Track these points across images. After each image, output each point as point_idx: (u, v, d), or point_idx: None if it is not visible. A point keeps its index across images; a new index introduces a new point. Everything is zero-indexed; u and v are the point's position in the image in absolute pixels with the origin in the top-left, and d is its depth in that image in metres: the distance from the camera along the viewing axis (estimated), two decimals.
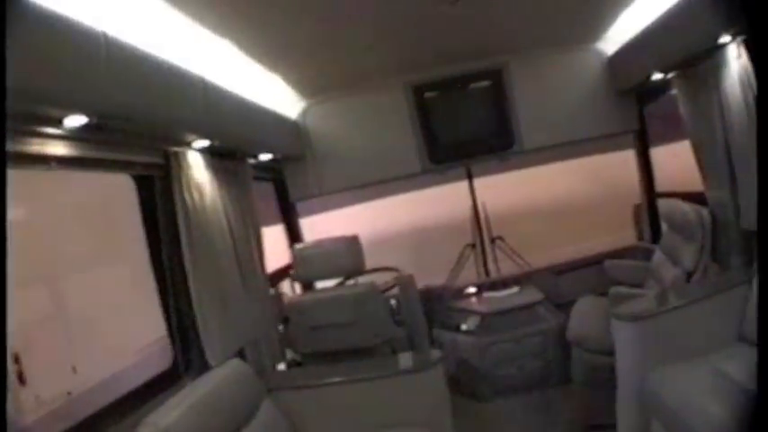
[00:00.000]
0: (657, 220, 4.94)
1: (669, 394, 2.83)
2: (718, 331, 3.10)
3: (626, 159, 5.29)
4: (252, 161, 3.94)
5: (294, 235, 5.04)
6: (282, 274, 4.60)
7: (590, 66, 4.70)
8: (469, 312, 4.73)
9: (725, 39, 3.06)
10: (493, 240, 5.54)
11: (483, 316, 4.60)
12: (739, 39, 3.04)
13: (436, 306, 5.06)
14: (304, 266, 3.96)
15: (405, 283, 4.32)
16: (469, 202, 5.54)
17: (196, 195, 2.97)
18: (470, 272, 5.53)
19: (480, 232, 5.52)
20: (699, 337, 3.07)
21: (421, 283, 4.99)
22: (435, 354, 3.28)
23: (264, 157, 3.98)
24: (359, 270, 3.92)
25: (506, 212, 5.96)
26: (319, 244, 4.04)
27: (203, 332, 2.89)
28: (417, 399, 3.05)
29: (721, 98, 3.32)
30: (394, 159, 4.73)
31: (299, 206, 5.13)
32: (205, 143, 2.99)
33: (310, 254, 3.97)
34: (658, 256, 4.29)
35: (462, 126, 4.67)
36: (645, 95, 4.69)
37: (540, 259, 5.50)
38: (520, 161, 5.72)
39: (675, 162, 4.47)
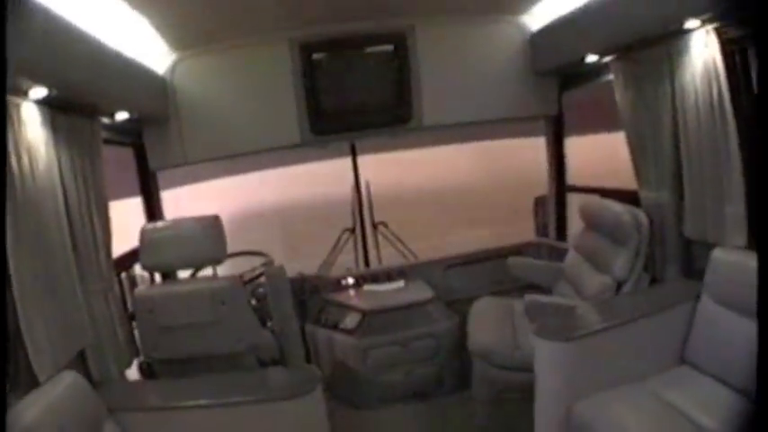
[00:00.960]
0: (564, 215, 4.71)
1: (602, 426, 2.50)
2: (659, 353, 2.82)
3: (534, 147, 5.07)
4: (106, 120, 3.35)
5: (152, 210, 4.42)
6: (135, 257, 3.90)
7: (509, 40, 4.33)
8: (348, 308, 4.28)
9: (692, 24, 2.77)
10: (375, 226, 5.14)
11: (364, 314, 4.16)
12: (710, 26, 2.75)
13: (310, 298, 4.58)
14: (152, 252, 3.22)
15: (274, 274, 3.73)
16: (350, 183, 5.11)
17: (26, 159, 2.37)
18: (349, 260, 5.14)
19: (361, 216, 5.10)
20: (636, 359, 2.77)
21: (294, 270, 4.60)
22: (314, 372, 2.78)
23: (121, 116, 3.35)
24: (218, 258, 3.25)
25: (394, 196, 5.58)
26: (173, 225, 3.35)
27: (27, 335, 2.29)
28: (291, 430, 2.61)
29: (675, 89, 3.04)
30: (272, 128, 4.20)
31: (165, 177, 4.55)
32: (42, 92, 2.38)
33: (161, 237, 3.24)
34: (573, 257, 3.95)
35: (352, 94, 4.18)
36: (568, 79, 4.40)
37: (427, 250, 5.16)
38: (415, 140, 5.35)
39: (591, 155, 4.23)
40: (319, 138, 4.24)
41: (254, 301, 4.18)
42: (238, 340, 3.15)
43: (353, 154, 5.05)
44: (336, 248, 5.10)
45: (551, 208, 4.80)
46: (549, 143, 4.73)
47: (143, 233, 3.23)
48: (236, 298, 3.17)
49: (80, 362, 2.81)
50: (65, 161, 2.76)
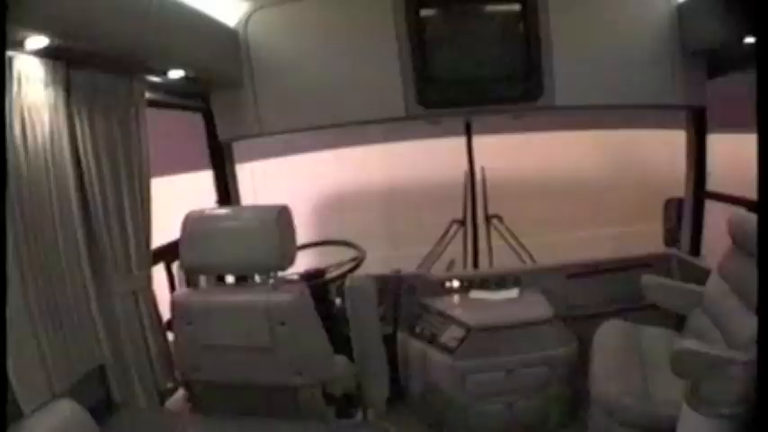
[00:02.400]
0: (701, 225, 4.06)
1: None
2: None
3: (662, 140, 4.58)
4: (155, 79, 2.87)
5: (224, 189, 3.94)
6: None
7: (652, 10, 3.60)
8: (449, 320, 3.67)
9: None
10: (488, 219, 4.54)
11: (468, 330, 3.54)
12: None
13: (406, 301, 4.00)
14: (195, 250, 2.53)
15: (356, 287, 2.93)
16: (464, 166, 4.48)
17: (18, 128, 1.91)
18: (455, 257, 4.60)
19: (474, 207, 4.50)
20: None
21: (389, 265, 4.22)
22: None
23: (175, 74, 2.85)
24: (281, 266, 2.52)
25: (505, 183, 4.90)
26: (226, 216, 2.74)
27: (12, 352, 1.82)
28: None
29: None
30: (369, 96, 3.57)
31: (250, 148, 4.27)
32: (41, 41, 1.88)
33: (207, 231, 2.54)
34: (717, 284, 3.20)
35: (469, 61, 3.51)
36: (716, 64, 3.67)
37: (544, 250, 4.57)
38: (527, 122, 4.83)
39: (734, 158, 3.51)
40: (428, 111, 3.59)
41: (337, 302, 3.71)
42: (298, 372, 2.51)
43: (468, 134, 4.44)
44: (442, 242, 4.53)
45: (687, 215, 4.12)
46: (689, 139, 4.02)
47: (186, 223, 2.54)
48: (301, 317, 2.47)
49: (99, 381, 2.36)
50: (83, 129, 2.28)
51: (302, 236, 5.26)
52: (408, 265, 4.33)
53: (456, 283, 4.02)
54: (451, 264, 4.61)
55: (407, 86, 3.54)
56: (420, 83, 3.51)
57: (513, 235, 4.46)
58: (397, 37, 3.49)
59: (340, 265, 3.80)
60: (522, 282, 4.00)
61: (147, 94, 2.73)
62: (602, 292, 4.03)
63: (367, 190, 5.98)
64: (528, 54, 3.50)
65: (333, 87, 3.56)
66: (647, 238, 4.54)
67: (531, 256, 4.45)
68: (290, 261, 2.47)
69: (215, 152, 3.90)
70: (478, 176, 4.53)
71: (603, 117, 5.42)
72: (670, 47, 3.62)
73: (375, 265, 4.00)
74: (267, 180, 5.57)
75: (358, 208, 5.92)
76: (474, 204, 4.51)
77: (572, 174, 6.16)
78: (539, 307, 3.69)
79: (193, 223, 2.52)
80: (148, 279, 2.60)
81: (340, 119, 3.65)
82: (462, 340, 3.52)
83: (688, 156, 4.05)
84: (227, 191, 3.97)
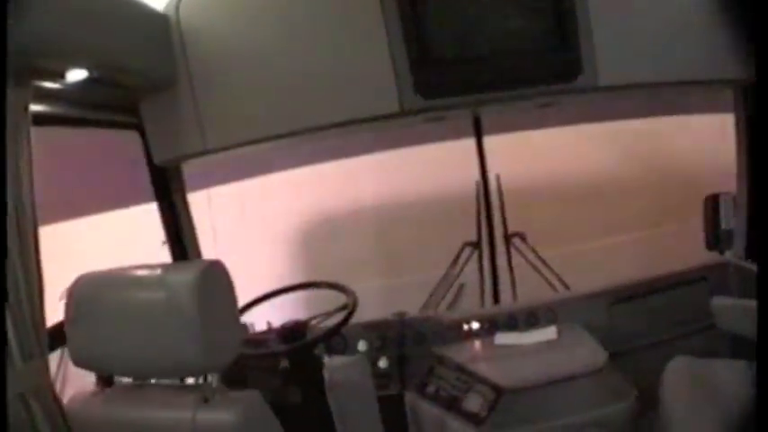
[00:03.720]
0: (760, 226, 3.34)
1: None
2: None
3: (688, 129, 4.48)
4: (52, 86, 2.14)
5: (172, 226, 3.26)
6: None
7: None
8: (473, 378, 2.95)
9: None
10: (508, 239, 3.90)
11: (499, 392, 2.82)
12: None
13: (413, 352, 3.31)
14: (83, 337, 1.76)
15: (338, 368, 2.40)
16: (474, 174, 3.88)
17: None
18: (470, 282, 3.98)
19: (490, 224, 3.85)
20: None
21: (390, 298, 3.92)
22: None
23: (76, 75, 2.13)
24: (210, 365, 1.70)
25: (524, 192, 4.43)
26: (125, 282, 1.80)
27: None
28: None
29: None
30: (350, 90, 2.75)
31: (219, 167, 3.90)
32: None
33: (96, 307, 1.74)
34: None
35: (481, 32, 2.72)
36: None
37: (570, 265, 3.99)
38: (548, 114, 4.34)
39: None
40: (429, 102, 2.76)
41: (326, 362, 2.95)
42: None
43: (478, 133, 3.85)
44: (453, 272, 3.88)
45: (741, 213, 3.52)
46: (739, 122, 3.40)
47: (71, 293, 1.77)
48: None
49: None
50: None
51: (282, 273, 4.69)
52: (413, 297, 3.84)
53: (476, 325, 3.32)
54: (460, 290, 4.00)
55: (400, 72, 2.72)
56: (416, 65, 2.71)
57: (539, 256, 3.82)
58: (384, 6, 2.69)
59: (326, 315, 3.12)
60: (556, 315, 3.35)
61: (51, 107, 2.20)
62: (654, 316, 3.45)
63: (359, 210, 5.32)
64: (559, 20, 2.73)
65: (300, 83, 2.76)
66: (680, 239, 4.22)
67: (562, 281, 3.83)
68: (225, 355, 1.70)
69: (157, 178, 3.19)
70: (493, 185, 3.94)
71: (619, 104, 4.94)
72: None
73: (373, 298, 3.58)
74: (230, 209, 5.00)
75: (349, 232, 5.26)
76: (490, 221, 3.88)
77: (591, 173, 5.63)
78: (586, 351, 3.02)
79: (80, 295, 1.75)
80: (43, 372, 1.84)
81: (312, 123, 2.83)
82: (492, 406, 2.80)
83: (739, 141, 3.45)
84: (176, 227, 3.28)
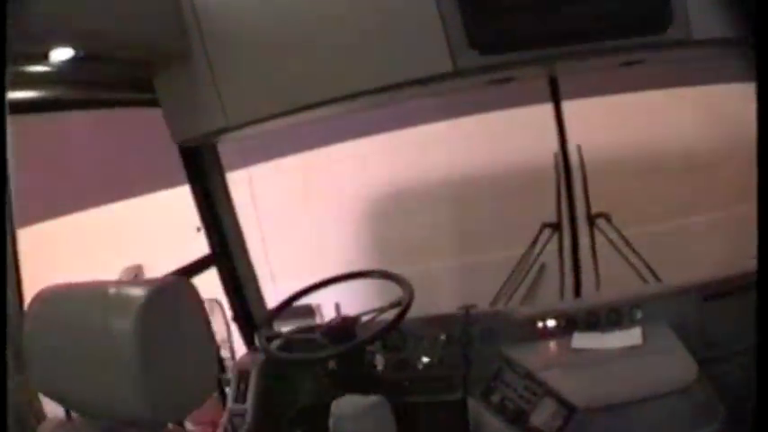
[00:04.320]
0: None
1: None
2: None
3: None
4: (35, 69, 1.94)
5: (206, 209, 3.01)
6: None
7: None
8: (544, 389, 2.58)
9: None
10: (592, 220, 3.47)
11: (572, 410, 2.44)
12: None
13: (479, 351, 2.99)
14: (39, 363, 1.38)
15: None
16: (553, 145, 3.46)
17: None
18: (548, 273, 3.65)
19: (571, 203, 3.43)
20: None
21: (464, 278, 3.91)
22: None
23: (60, 54, 1.86)
24: (165, 416, 1.29)
25: (605, 165, 3.97)
26: (76, 300, 1.38)
27: None
28: None
29: None
30: (392, 49, 2.31)
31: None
32: None
33: (50, 330, 1.36)
34: None
35: None
36: None
37: (654, 248, 3.61)
38: (625, 77, 3.76)
39: None
40: (487, 58, 2.29)
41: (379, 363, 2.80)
42: None
43: (555, 97, 3.42)
44: (529, 259, 3.47)
45: None
46: None
47: (30, 310, 1.46)
48: None
49: None
50: None
51: (349, 253, 4.61)
52: (488, 280, 3.57)
53: (552, 323, 2.94)
54: (540, 275, 3.72)
55: (450, 23, 2.25)
56: (470, 12, 2.24)
57: (625, 240, 3.38)
58: None
59: (380, 311, 2.78)
60: (642, 312, 2.96)
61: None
62: (748, 316, 2.88)
63: (429, 184, 4.96)
64: None
65: (331, 43, 2.35)
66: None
67: (650, 268, 3.41)
68: (183, 403, 1.35)
69: (189, 157, 2.93)
70: (574, 157, 3.51)
71: (710, 65, 4.33)
72: None
73: (445, 280, 3.65)
74: (292, 183, 4.78)
75: (419, 208, 4.91)
76: (571, 200, 3.47)
77: (676, 145, 5.10)
78: (674, 362, 2.61)
79: (37, 311, 1.42)
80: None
81: (345, 90, 2.41)
82: (563, 426, 2.43)
83: None
84: (212, 212, 3.02)
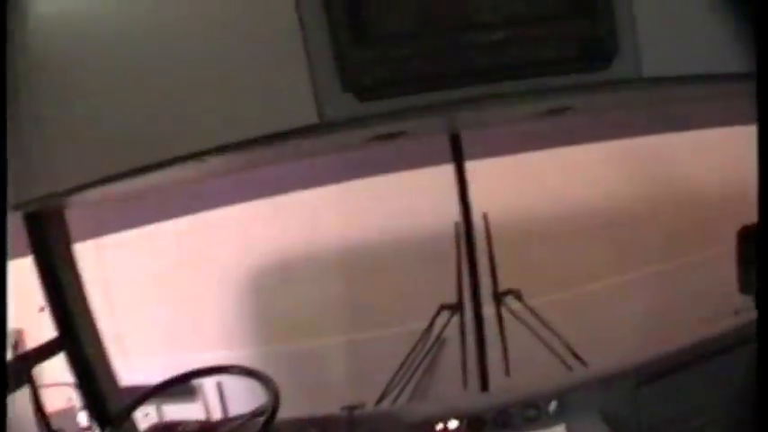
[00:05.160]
0: None
1: None
2: None
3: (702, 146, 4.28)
4: None
5: (54, 292, 2.63)
6: None
7: None
8: None
9: None
10: (499, 298, 3.17)
11: None
12: None
13: None
14: None
15: None
16: (454, 213, 3.16)
17: None
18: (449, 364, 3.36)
19: (475, 281, 3.10)
20: None
21: (356, 355, 3.81)
22: None
23: None
24: None
25: (512, 230, 3.88)
26: None
27: None
28: None
29: None
30: (245, 94, 1.86)
31: None
32: None
33: None
34: None
35: None
36: None
37: (573, 316, 3.58)
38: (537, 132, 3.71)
39: None
40: (370, 106, 1.86)
41: None
42: None
43: (457, 155, 3.12)
44: (426, 342, 3.11)
45: None
46: None
47: None
48: None
49: None
50: None
51: (232, 326, 4.32)
52: (384, 359, 3.33)
53: (454, 424, 2.57)
54: (442, 350, 3.37)
55: (318, 61, 1.82)
56: (344, 48, 1.81)
57: (541, 320, 3.11)
58: None
59: (239, 422, 2.39)
60: (565, 405, 2.65)
61: None
62: (695, 396, 2.81)
63: (320, 251, 4.68)
64: None
65: (173, 91, 1.90)
66: (699, 273, 4.10)
67: (571, 350, 3.14)
68: None
69: (31, 225, 2.54)
70: (478, 225, 3.23)
71: (623, 118, 4.31)
72: None
73: (336, 359, 3.55)
74: (167, 251, 4.48)
75: (309, 278, 4.61)
76: (475, 276, 3.13)
77: (595, 203, 5.03)
78: None
79: None
80: None
81: (192, 146, 1.94)
82: None
83: None
84: (56, 287, 2.60)
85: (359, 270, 4.56)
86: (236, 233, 4.58)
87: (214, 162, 2.03)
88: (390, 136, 2.24)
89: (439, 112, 2.02)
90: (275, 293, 4.61)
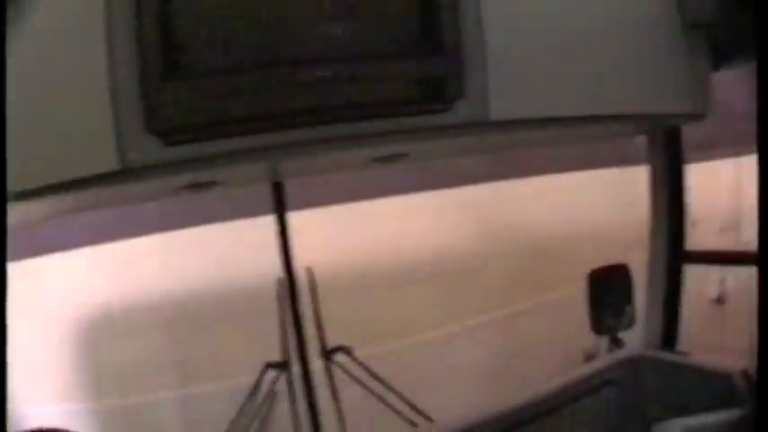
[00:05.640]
0: (675, 304, 2.96)
1: None
2: None
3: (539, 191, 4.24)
4: None
5: None
6: None
7: None
8: None
9: None
10: (328, 355, 3.04)
11: None
12: None
13: None
14: None
15: None
16: (277, 265, 2.99)
17: None
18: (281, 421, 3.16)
19: (300, 339, 2.95)
20: None
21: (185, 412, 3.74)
22: None
23: None
24: None
25: (348, 279, 3.88)
26: None
27: None
28: None
29: None
30: (48, 136, 1.54)
31: None
32: None
33: None
34: None
35: (276, 24, 1.62)
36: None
37: (408, 370, 3.50)
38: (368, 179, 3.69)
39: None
40: (175, 151, 1.60)
41: None
42: None
43: (280, 206, 2.92)
44: (254, 403, 2.99)
45: (657, 289, 2.99)
46: (655, 177, 2.92)
47: None
48: None
49: None
50: None
51: (64, 380, 4.17)
52: (214, 413, 3.22)
53: None
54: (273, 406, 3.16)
55: (128, 100, 1.57)
56: (152, 86, 1.57)
57: (374, 375, 2.99)
58: None
59: None
60: None
61: None
62: None
63: (142, 303, 4.45)
64: (427, 15, 1.74)
65: None
66: (541, 318, 4.15)
67: (412, 406, 3.02)
68: None
69: None
70: (303, 282, 3.07)
71: (462, 164, 4.36)
72: (666, 20, 2.24)
73: (165, 416, 3.56)
74: None
75: (131, 331, 4.39)
76: (300, 334, 2.99)
77: (428, 252, 4.97)
78: None
79: None
80: None
81: None
82: None
83: (654, 201, 2.97)
84: None
85: (185, 324, 4.37)
86: (61, 282, 4.32)
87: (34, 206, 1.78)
88: (204, 185, 2.04)
89: (255, 159, 1.81)
90: (102, 346, 4.36)
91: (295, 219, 3.04)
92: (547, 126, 2.04)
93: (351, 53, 1.63)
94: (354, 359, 3.01)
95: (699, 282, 3.81)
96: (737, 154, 4.20)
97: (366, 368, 3.00)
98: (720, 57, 2.38)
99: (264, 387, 3.03)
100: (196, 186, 2.02)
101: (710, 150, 3.60)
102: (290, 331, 3.00)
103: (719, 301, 5.53)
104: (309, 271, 2.99)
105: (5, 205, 1.35)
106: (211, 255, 4.27)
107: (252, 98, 1.59)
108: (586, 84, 2.04)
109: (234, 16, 1.56)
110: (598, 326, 2.98)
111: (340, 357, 3.04)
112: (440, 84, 1.71)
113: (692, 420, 2.36)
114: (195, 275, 4.32)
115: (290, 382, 2.97)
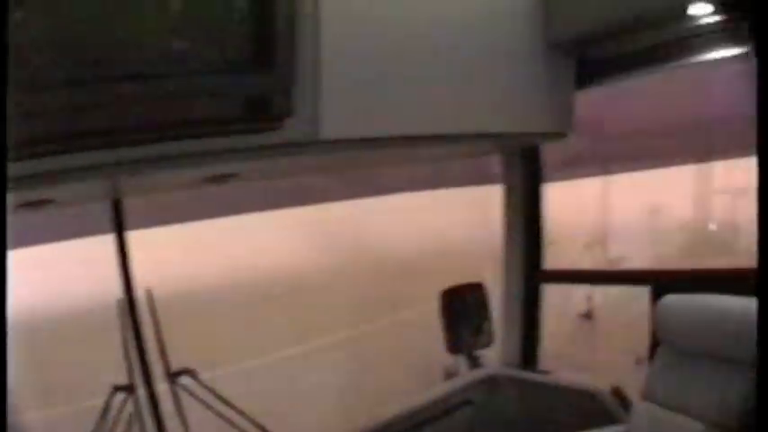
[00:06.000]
0: (535, 321, 3.06)
1: None
2: None
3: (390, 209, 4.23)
4: None
5: None
6: None
7: None
8: None
9: None
10: (173, 378, 2.97)
11: None
12: None
13: None
14: None
15: None
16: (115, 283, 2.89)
17: None
18: None
19: (144, 362, 2.91)
20: None
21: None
22: None
23: None
24: None
25: (196, 304, 3.71)
26: None
27: None
28: None
29: None
30: None
31: None
32: None
33: None
34: (646, 414, 2.32)
35: (88, 36, 1.53)
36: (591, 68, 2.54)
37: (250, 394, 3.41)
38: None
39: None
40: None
41: None
42: None
43: (118, 225, 2.81)
44: (104, 428, 2.88)
45: (513, 309, 3.12)
46: (510, 196, 3.02)
47: None
48: None
49: None
50: None
51: None
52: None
53: None
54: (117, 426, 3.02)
55: None
56: None
57: (221, 398, 2.93)
58: None
59: None
60: None
61: None
62: None
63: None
64: (265, 27, 1.69)
65: None
66: (395, 335, 4.23)
67: (262, 429, 2.97)
68: None
69: None
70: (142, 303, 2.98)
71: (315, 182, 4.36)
72: (530, 37, 2.28)
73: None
74: None
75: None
76: (143, 357, 2.93)
77: (284, 270, 4.88)
78: None
79: None
80: None
81: None
82: None
83: (509, 221, 3.10)
84: None
85: (41, 342, 4.15)
86: None
87: None
88: (37, 204, 1.96)
89: (89, 177, 1.74)
90: None
91: (137, 237, 2.95)
92: (388, 146, 2.04)
93: (176, 67, 1.61)
94: (199, 382, 2.96)
95: (566, 297, 3.97)
96: (607, 172, 4.29)
97: (211, 390, 2.96)
98: (587, 76, 2.51)
99: (113, 410, 2.95)
100: (31, 205, 1.95)
101: (577, 168, 3.68)
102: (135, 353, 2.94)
103: (587, 316, 5.73)
104: (149, 292, 2.91)
105: (5, 205, 1.28)
106: (54, 274, 4.09)
107: (75, 114, 1.55)
108: (432, 103, 2.07)
109: (74, 31, 1.50)
110: (454, 344, 3.06)
111: (185, 380, 2.98)
112: (267, 102, 1.69)
113: None
114: (42, 293, 4.10)
115: (136, 405, 2.90)
